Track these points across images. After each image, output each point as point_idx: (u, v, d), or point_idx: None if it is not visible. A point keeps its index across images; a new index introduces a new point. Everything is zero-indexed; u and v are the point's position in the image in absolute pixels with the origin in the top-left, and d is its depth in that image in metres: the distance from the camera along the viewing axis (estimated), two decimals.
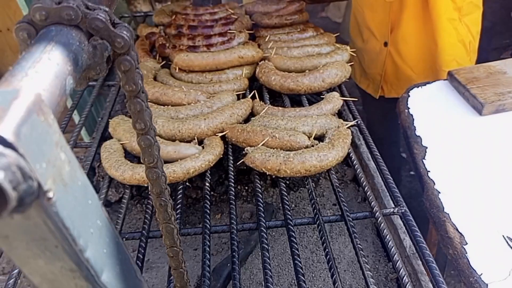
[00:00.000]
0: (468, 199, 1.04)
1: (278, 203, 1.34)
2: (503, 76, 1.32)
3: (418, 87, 1.42)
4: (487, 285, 0.86)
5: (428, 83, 1.44)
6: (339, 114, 1.38)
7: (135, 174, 1.02)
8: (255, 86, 1.43)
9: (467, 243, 0.94)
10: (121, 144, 1.14)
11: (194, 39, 1.58)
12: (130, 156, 1.17)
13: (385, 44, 1.72)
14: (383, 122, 1.98)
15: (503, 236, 0.94)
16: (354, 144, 1.31)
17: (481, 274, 0.88)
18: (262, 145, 1.07)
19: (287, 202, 0.97)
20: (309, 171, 1.01)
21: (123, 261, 0.38)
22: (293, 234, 0.89)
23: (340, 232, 1.24)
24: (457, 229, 0.97)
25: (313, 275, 1.12)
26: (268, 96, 1.36)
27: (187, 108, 1.22)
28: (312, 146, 1.07)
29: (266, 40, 1.56)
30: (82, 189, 0.31)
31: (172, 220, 0.58)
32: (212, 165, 1.07)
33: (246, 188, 1.40)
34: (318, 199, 1.29)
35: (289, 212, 0.95)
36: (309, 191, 1.00)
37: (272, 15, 1.76)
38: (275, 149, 1.05)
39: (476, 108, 1.27)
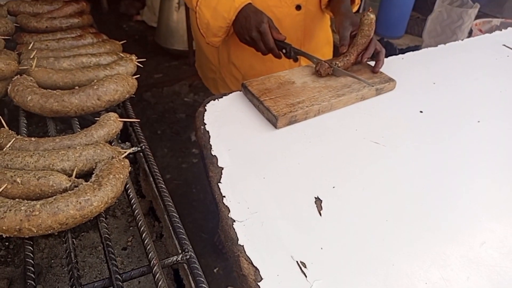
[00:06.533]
0: (264, 224, 0.95)
1: (49, 259, 1.05)
2: (292, 86, 1.31)
3: (215, 99, 1.31)
4: None
5: (225, 95, 1.34)
6: (127, 139, 1.17)
7: None
8: (10, 108, 1.10)
9: (262, 279, 0.83)
10: None
11: None
12: None
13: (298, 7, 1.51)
14: None
15: (296, 261, 0.88)
16: (145, 173, 1.12)
17: None
18: None
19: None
20: (66, 225, 0.76)
21: None
22: None
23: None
24: (252, 263, 0.86)
25: None
26: (25, 121, 1.04)
27: None
28: (76, 187, 0.83)
29: (30, 48, 1.23)
30: None
31: None
32: None
33: (7, 243, 1.06)
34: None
35: None
36: (67, 251, 0.75)
37: (43, 17, 1.43)
38: (18, 199, 0.77)
39: (271, 121, 1.22)
